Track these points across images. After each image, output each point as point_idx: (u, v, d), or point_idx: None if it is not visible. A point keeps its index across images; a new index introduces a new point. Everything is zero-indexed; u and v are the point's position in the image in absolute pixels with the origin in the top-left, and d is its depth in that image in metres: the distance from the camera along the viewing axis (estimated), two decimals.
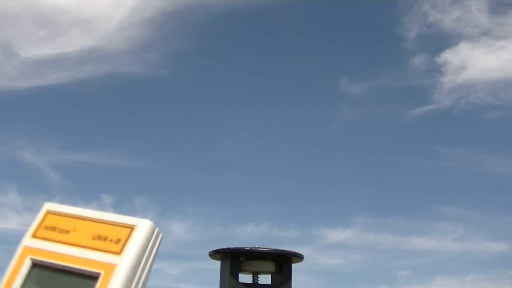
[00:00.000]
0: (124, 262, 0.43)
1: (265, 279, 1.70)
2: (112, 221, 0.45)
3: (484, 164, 4.42)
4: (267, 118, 4.62)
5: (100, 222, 0.45)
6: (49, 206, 0.47)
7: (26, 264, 0.44)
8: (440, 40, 4.41)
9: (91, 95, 4.44)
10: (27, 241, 0.45)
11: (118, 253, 0.43)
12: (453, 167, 4.44)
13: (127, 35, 4.27)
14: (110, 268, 0.42)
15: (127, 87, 4.49)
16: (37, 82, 4.28)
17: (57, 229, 0.45)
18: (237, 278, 1.64)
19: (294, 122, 4.68)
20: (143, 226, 0.44)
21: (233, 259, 1.65)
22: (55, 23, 4.23)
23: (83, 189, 4.45)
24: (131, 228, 0.44)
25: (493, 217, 4.33)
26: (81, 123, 4.54)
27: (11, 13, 4.17)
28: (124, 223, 0.45)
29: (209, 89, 4.65)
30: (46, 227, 0.46)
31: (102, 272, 0.42)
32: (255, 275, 1.69)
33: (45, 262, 0.44)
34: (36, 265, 0.44)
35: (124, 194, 4.35)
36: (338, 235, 4.28)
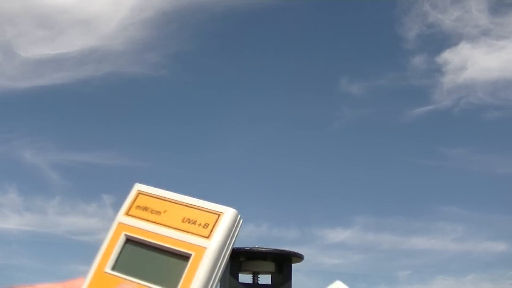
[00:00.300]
0: (212, 246, 0.46)
1: (265, 279, 1.70)
2: (200, 207, 0.48)
3: (484, 164, 4.42)
4: (267, 118, 4.62)
5: (189, 207, 0.48)
6: (139, 187, 0.50)
7: (121, 239, 0.47)
8: (440, 40, 4.42)
9: (91, 95, 4.45)
10: (122, 218, 0.48)
11: (207, 237, 0.46)
12: (453, 167, 4.44)
13: (127, 35, 4.28)
14: (200, 250, 0.46)
15: (127, 87, 4.49)
16: (37, 82, 4.28)
17: (149, 209, 0.48)
18: (237, 278, 1.64)
19: (294, 122, 4.68)
20: (228, 214, 0.48)
21: (233, 259, 1.65)
22: (55, 23, 4.23)
23: (83, 189, 4.45)
24: (218, 214, 0.47)
25: (493, 217, 4.33)
26: (81, 123, 4.55)
27: (11, 13, 4.17)
28: (212, 209, 0.48)
29: (209, 89, 4.65)
30: (138, 207, 0.49)
31: (193, 254, 0.45)
32: (255, 275, 1.69)
33: (138, 239, 0.47)
34: (130, 241, 0.47)
35: (124, 194, 4.33)
36: (338, 235, 4.28)
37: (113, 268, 0.46)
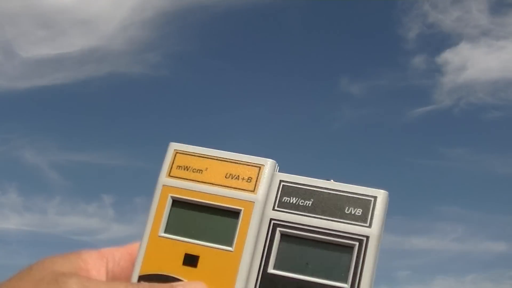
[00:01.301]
0: (259, 198, 0.46)
1: None
2: (240, 160, 0.48)
3: (484, 164, 4.42)
4: (267, 118, 4.62)
5: (229, 161, 0.48)
6: (175, 146, 0.50)
7: (168, 202, 0.47)
8: (440, 40, 4.42)
9: (92, 95, 4.45)
10: (165, 180, 0.48)
11: (253, 191, 0.46)
12: (453, 167, 4.44)
13: (127, 35, 4.28)
14: (249, 205, 0.46)
15: (127, 87, 4.49)
16: (37, 82, 4.28)
17: (190, 168, 0.48)
18: None
19: (294, 122, 4.68)
20: (268, 165, 0.48)
21: None
22: (55, 23, 4.23)
23: (83, 189, 4.45)
24: (259, 167, 0.47)
25: (493, 217, 4.33)
26: (81, 123, 4.55)
27: (12, 13, 4.17)
28: (252, 162, 0.48)
29: (210, 89, 4.65)
30: (179, 167, 0.49)
31: (242, 209, 0.46)
32: None
33: (185, 199, 0.47)
34: (177, 202, 0.47)
35: (124, 194, 4.35)
36: None
37: (166, 231, 0.46)
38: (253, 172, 0.47)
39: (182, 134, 4.60)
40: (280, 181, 0.47)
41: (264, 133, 4.64)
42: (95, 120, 4.54)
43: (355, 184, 0.47)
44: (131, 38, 4.31)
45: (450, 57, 4.33)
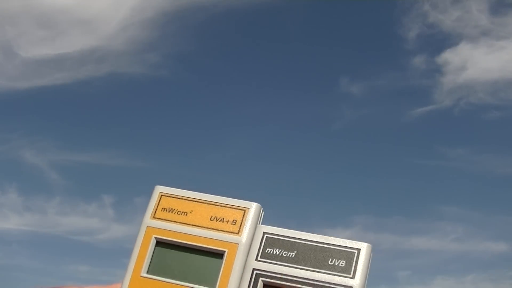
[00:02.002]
0: (243, 241, 0.47)
1: None
2: (225, 203, 0.49)
3: (484, 164, 4.42)
4: (267, 118, 4.62)
5: (214, 204, 0.49)
6: (161, 189, 0.51)
7: (152, 243, 0.48)
8: (440, 40, 4.42)
9: (92, 95, 4.45)
10: (149, 221, 0.49)
11: (237, 233, 0.47)
12: (453, 167, 4.45)
13: (127, 35, 4.28)
14: (233, 246, 0.46)
15: (127, 87, 4.49)
16: (37, 82, 4.28)
17: (175, 210, 0.49)
18: None
19: (294, 122, 4.68)
20: (254, 208, 0.48)
21: None
22: (55, 23, 4.23)
23: (83, 189, 4.45)
24: (244, 210, 0.48)
25: (493, 217, 4.33)
26: (81, 123, 4.55)
27: (11, 13, 4.17)
28: (237, 206, 0.49)
29: (210, 89, 4.65)
30: (164, 209, 0.49)
31: (226, 250, 0.46)
32: None
33: (169, 240, 0.48)
34: (160, 243, 0.48)
35: (124, 194, 4.35)
36: (338, 235, 4.27)
37: (149, 271, 0.47)
38: (238, 215, 0.48)
39: (182, 134, 4.60)
40: (264, 233, 0.48)
41: (263, 133, 4.64)
42: (95, 120, 4.55)
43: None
44: (131, 38, 4.32)
45: (450, 57, 4.33)
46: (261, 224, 0.48)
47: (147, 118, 4.62)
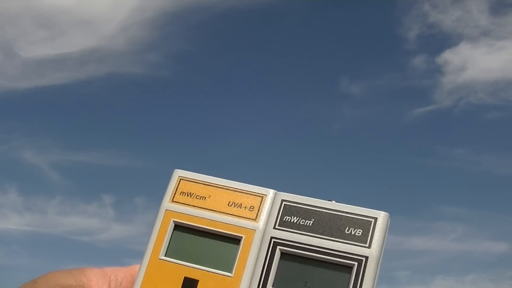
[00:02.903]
0: (260, 227, 0.47)
1: None
2: (243, 190, 0.49)
3: (484, 164, 4.42)
4: (267, 118, 4.62)
5: (232, 190, 0.49)
6: (180, 173, 0.51)
7: (170, 226, 0.48)
8: (440, 40, 4.42)
9: (92, 95, 4.45)
10: (168, 205, 0.49)
11: (254, 219, 0.47)
12: (453, 167, 4.45)
13: (128, 35, 4.28)
14: (250, 233, 0.47)
15: (127, 87, 4.50)
16: (38, 82, 4.29)
17: (193, 194, 0.49)
18: None
19: (294, 122, 4.68)
20: (270, 195, 0.48)
21: None
22: (55, 24, 4.23)
23: (83, 189, 4.45)
24: (262, 196, 0.48)
25: (493, 217, 4.34)
26: (81, 123, 4.55)
27: (12, 14, 4.17)
28: (255, 192, 0.49)
29: (210, 89, 4.65)
30: (182, 193, 0.50)
31: (243, 236, 0.46)
32: None
33: (187, 224, 0.48)
34: (178, 227, 0.48)
35: (124, 194, 4.35)
36: None
37: (166, 254, 0.47)
38: (255, 201, 0.48)
39: (182, 134, 4.60)
40: (282, 200, 0.48)
41: (264, 133, 4.64)
42: (95, 120, 4.55)
43: (357, 202, 0.48)
44: (132, 38, 4.32)
45: (450, 57, 4.33)
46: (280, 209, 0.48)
47: (147, 118, 4.62)
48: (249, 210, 0.48)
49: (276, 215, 0.47)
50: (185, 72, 4.59)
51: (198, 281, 0.46)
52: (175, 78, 4.55)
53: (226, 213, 0.48)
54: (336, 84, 4.55)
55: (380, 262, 0.45)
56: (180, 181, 0.50)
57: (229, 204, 0.48)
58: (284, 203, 0.47)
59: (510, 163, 4.36)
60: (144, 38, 4.34)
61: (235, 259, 0.46)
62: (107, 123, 4.58)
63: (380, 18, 4.55)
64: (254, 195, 0.49)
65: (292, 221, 0.46)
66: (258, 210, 0.48)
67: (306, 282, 0.44)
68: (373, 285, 0.44)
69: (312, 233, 0.45)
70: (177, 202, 0.49)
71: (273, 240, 0.46)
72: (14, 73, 4.23)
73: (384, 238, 0.46)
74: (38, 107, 4.54)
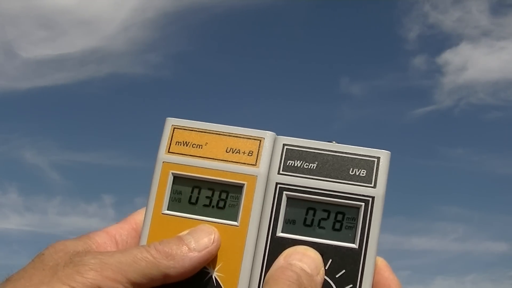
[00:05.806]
0: (261, 172, 0.46)
1: None
2: (240, 134, 0.48)
3: (484, 164, 4.42)
4: (267, 118, 4.62)
5: (229, 135, 0.48)
6: (173, 121, 0.49)
7: (170, 179, 0.47)
8: (440, 41, 4.42)
9: (92, 95, 4.45)
10: (164, 156, 0.48)
11: (255, 164, 0.46)
12: (454, 167, 4.45)
13: (128, 36, 4.28)
14: (252, 179, 0.46)
15: (128, 87, 4.50)
16: (38, 82, 4.29)
17: (189, 143, 0.48)
18: None
19: (294, 121, 4.68)
20: (268, 137, 0.47)
21: None
22: (56, 24, 4.23)
23: (83, 189, 4.45)
24: (259, 140, 0.47)
25: (493, 217, 4.34)
26: (81, 123, 4.55)
27: (12, 14, 4.17)
28: (252, 135, 0.47)
29: (210, 90, 4.65)
30: (178, 142, 0.48)
31: (245, 183, 0.46)
32: None
33: (186, 175, 0.47)
34: (178, 178, 0.47)
35: (124, 194, 4.35)
36: None
37: (169, 208, 0.46)
38: (253, 145, 0.47)
39: None
40: (284, 144, 0.47)
41: None
42: (95, 120, 4.55)
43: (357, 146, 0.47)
44: (132, 38, 4.32)
45: (450, 57, 4.33)
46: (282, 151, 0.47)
47: (147, 118, 4.62)
48: (248, 155, 0.47)
49: (279, 160, 0.46)
50: (185, 72, 4.59)
51: None
52: (175, 78, 4.55)
53: (225, 160, 0.47)
54: (336, 85, 4.55)
55: (384, 200, 0.45)
56: (174, 130, 0.49)
57: (227, 151, 0.47)
58: (286, 147, 0.46)
59: (510, 163, 4.36)
60: (144, 38, 4.34)
61: (239, 207, 0.45)
62: (107, 124, 4.58)
63: (381, 18, 4.55)
64: (252, 139, 0.47)
65: (295, 165, 0.46)
66: (258, 155, 0.46)
67: (315, 225, 0.44)
68: (380, 224, 0.44)
69: (317, 176, 0.45)
70: (174, 152, 0.48)
71: (278, 186, 0.45)
72: (14, 73, 4.23)
73: (387, 176, 0.46)
74: (39, 107, 4.54)
